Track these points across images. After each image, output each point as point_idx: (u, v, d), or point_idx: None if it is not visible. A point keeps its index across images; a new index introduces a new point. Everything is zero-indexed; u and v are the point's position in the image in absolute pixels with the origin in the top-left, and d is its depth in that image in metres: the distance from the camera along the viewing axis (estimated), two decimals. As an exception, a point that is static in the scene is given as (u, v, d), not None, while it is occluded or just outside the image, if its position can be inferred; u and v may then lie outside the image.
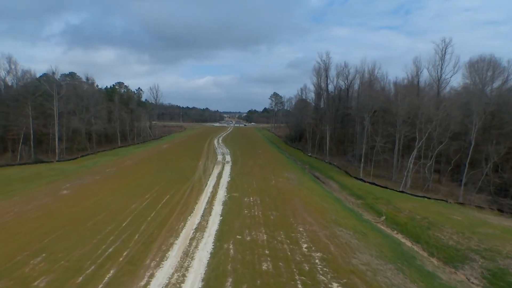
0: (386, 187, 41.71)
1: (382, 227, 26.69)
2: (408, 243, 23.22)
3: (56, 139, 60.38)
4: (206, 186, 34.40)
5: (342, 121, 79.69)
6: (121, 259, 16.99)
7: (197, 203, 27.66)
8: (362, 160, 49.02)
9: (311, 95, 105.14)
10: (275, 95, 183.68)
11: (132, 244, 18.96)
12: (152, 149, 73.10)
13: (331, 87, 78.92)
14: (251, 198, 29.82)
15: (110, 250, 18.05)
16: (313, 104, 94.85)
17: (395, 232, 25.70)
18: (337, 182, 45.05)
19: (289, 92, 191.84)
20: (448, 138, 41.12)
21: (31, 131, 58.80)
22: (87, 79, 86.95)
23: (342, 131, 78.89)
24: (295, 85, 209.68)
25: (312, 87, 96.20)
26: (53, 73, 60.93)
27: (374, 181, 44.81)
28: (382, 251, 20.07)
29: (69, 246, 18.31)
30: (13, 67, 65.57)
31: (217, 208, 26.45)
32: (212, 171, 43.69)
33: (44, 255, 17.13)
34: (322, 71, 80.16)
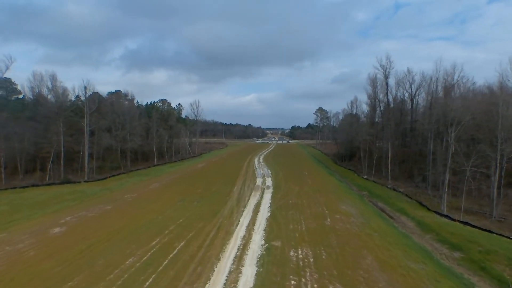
0: (490, 231, 29.62)
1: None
2: None
3: (86, 158, 56.40)
4: (237, 226, 25.75)
5: (404, 137, 67.17)
6: None
7: (219, 259, 18.98)
8: (445, 189, 37.06)
9: (363, 108, 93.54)
10: (320, 110, 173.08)
11: None
12: (187, 168, 66.79)
13: (389, 98, 67.21)
14: (300, 252, 20.39)
15: None
16: (365, 118, 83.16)
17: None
18: (412, 218, 33.76)
19: (334, 107, 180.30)
20: None
21: (62, 149, 55.49)
22: (126, 95, 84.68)
23: (404, 149, 66.26)
24: (340, 101, 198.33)
25: (364, 99, 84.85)
26: (85, 87, 57.57)
27: (465, 219, 32.86)
28: None
29: None
30: (55, 84, 64.70)
31: (248, 271, 17.39)
32: (248, 200, 35.02)
33: None
34: (378, 80, 69.11)
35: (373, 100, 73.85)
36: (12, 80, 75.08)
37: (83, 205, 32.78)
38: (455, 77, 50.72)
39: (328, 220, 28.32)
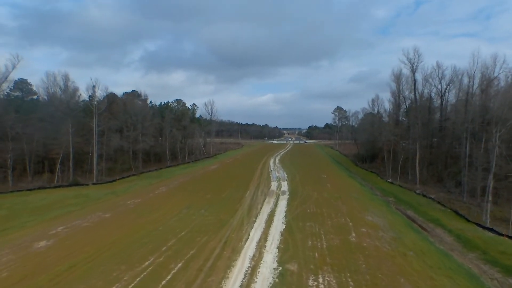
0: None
1: None
2: None
3: (95, 159, 54.52)
4: (246, 241, 22.09)
5: (431, 137, 61.67)
6: None
7: (221, 289, 15.47)
8: (488, 197, 32.28)
9: (385, 106, 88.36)
10: (339, 109, 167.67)
11: None
12: (198, 170, 63.94)
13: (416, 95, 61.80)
14: (321, 280, 16.36)
15: None
16: (388, 117, 77.86)
17: None
18: (449, 231, 29.27)
19: (353, 107, 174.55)
20: None
21: (71, 150, 53.78)
22: (139, 95, 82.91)
23: (432, 150, 60.83)
24: (359, 100, 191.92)
25: (387, 97, 79.54)
26: (93, 86, 55.68)
27: (515, 234, 28.04)
28: None
29: None
30: (67, 84, 63.52)
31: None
32: (261, 208, 31.44)
33: None
34: (403, 75, 63.88)
35: (397, 98, 68.65)
36: (28, 81, 75.01)
37: (82, 212, 30.27)
38: (497, 70, 45.02)
39: (353, 234, 24.32)
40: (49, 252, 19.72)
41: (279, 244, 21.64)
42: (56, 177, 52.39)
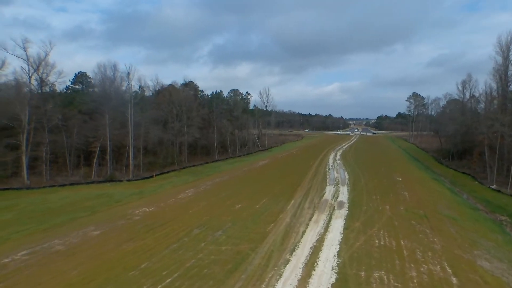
0: None
1: None
2: None
3: (131, 153, 50.13)
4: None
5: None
6: None
7: None
8: None
9: (479, 90, 69.65)
10: (415, 95, 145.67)
11: None
12: (243, 167, 56.00)
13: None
14: None
15: None
16: (488, 103, 59.82)
17: None
18: None
19: (431, 93, 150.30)
20: None
21: (108, 143, 50.25)
22: (185, 84, 78.00)
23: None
24: (438, 87, 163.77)
25: (484, 80, 61.32)
26: (128, 73, 51.01)
27: None
28: None
29: None
30: (116, 75, 61.02)
31: None
32: (302, 235, 20.95)
33: None
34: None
35: (504, 75, 51.14)
36: (88, 74, 75.68)
37: (81, 222, 24.68)
38: None
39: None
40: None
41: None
42: (93, 171, 49.31)
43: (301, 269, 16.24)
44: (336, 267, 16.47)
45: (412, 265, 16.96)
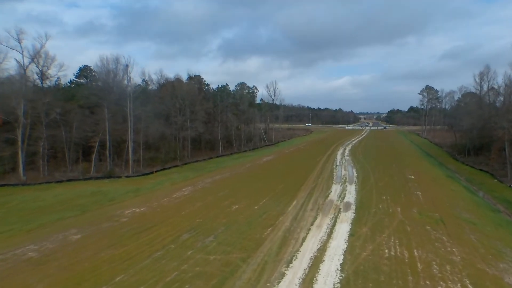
0: None
1: None
2: None
3: (130, 148, 48.55)
4: None
5: None
6: None
7: None
8: None
9: (498, 82, 65.73)
10: (428, 88, 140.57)
11: None
12: (247, 163, 53.95)
13: None
14: None
15: None
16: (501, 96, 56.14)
17: None
18: None
19: (445, 87, 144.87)
20: None
21: (107, 138, 48.80)
22: (190, 77, 75.93)
23: None
24: (453, 80, 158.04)
25: (503, 72, 57.46)
26: (127, 66, 49.19)
27: None
28: None
29: None
30: (119, 68, 59.47)
31: None
32: (302, 243, 18.54)
33: None
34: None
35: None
36: (92, 68, 74.41)
37: (66, 223, 23.14)
38: None
39: None
40: None
41: None
42: (92, 167, 47.95)
43: (297, 286, 14.04)
44: (338, 284, 14.22)
45: (427, 282, 14.58)
